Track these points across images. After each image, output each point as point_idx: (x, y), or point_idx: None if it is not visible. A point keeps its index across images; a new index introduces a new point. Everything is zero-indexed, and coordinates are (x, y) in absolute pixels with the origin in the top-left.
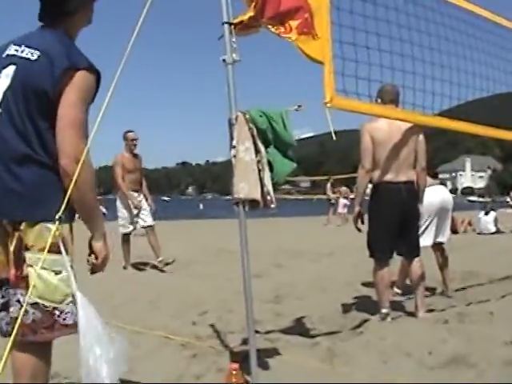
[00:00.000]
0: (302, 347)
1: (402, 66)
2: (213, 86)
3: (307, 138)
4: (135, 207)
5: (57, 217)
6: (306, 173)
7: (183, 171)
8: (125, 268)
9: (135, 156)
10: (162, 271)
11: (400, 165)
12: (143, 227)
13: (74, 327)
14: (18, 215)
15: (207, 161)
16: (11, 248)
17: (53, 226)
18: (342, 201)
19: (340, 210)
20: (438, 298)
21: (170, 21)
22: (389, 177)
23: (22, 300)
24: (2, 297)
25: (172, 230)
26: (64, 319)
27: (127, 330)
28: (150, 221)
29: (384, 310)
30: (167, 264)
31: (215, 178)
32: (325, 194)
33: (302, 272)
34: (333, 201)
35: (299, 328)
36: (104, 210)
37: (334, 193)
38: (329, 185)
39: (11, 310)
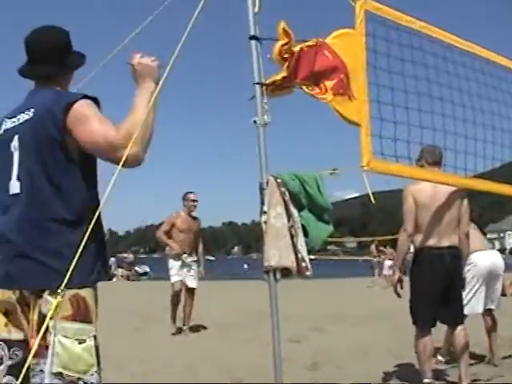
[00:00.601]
0: None
1: (442, 127)
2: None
3: (351, 198)
4: (176, 255)
5: (59, 290)
6: (352, 233)
7: (229, 231)
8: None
9: (194, 218)
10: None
11: (443, 229)
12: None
13: None
14: (39, 285)
15: (253, 221)
16: (34, 316)
17: (83, 292)
18: (388, 262)
19: (385, 271)
20: (484, 366)
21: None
22: (432, 242)
23: (45, 370)
24: (10, 358)
25: (215, 291)
26: None
27: None
28: (193, 284)
29: (426, 381)
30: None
31: (261, 238)
32: (370, 255)
33: (342, 337)
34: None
35: None
36: (147, 269)
37: (379, 255)
38: (373, 246)
39: (34, 380)
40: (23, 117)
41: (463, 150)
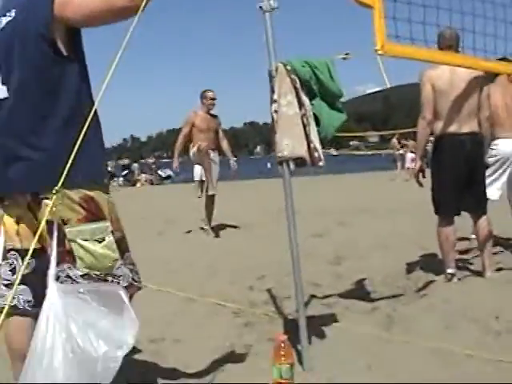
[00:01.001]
0: (361, 313)
1: (460, 7)
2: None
3: (373, 93)
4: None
5: (53, 191)
6: (374, 128)
7: (251, 131)
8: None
9: (212, 116)
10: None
11: (464, 116)
12: None
13: (131, 287)
14: (39, 186)
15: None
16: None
17: (90, 192)
18: (410, 155)
19: (408, 164)
20: (508, 255)
21: None
22: (452, 128)
23: (71, 274)
24: (25, 268)
25: (236, 190)
26: (118, 283)
27: (179, 296)
28: (212, 191)
29: (449, 271)
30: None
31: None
32: (392, 148)
33: (365, 230)
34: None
35: (359, 291)
36: (170, 173)
37: (401, 147)
38: (394, 139)
39: None
40: (5, 20)
41: (482, 32)
